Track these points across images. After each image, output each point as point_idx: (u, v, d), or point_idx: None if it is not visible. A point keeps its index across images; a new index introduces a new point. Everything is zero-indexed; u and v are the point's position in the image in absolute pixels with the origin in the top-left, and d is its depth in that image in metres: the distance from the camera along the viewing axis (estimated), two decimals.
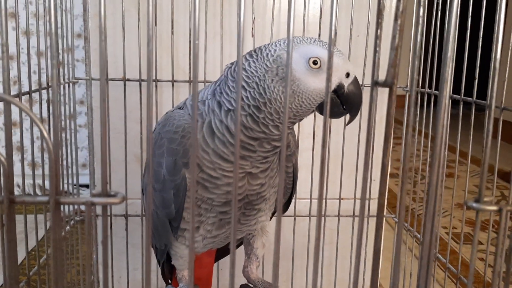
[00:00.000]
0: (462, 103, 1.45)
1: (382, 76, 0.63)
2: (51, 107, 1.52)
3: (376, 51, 0.63)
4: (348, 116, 1.00)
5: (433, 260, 0.67)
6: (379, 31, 0.62)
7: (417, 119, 1.71)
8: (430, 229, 0.67)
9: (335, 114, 0.99)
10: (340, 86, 0.95)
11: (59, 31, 1.60)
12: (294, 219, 1.85)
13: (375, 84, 0.64)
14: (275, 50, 0.94)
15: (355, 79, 0.96)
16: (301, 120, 1.00)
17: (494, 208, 0.66)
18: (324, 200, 1.85)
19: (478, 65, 1.30)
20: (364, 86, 1.67)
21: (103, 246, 0.67)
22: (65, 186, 1.79)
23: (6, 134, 0.62)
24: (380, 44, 0.62)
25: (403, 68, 1.82)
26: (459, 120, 1.41)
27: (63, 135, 1.72)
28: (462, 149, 1.52)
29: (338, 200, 1.85)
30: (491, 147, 1.33)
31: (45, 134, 0.61)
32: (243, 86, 0.95)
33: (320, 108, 0.97)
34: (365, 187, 0.67)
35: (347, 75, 0.95)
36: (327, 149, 0.62)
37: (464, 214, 1.56)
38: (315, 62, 0.92)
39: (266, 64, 0.94)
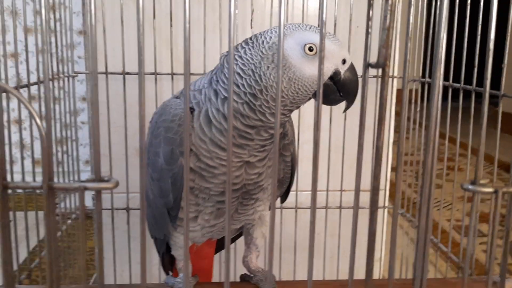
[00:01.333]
0: (462, 91, 1.44)
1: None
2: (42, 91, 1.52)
3: (368, 33, 0.62)
4: (345, 103, 0.99)
5: (429, 243, 0.66)
6: (371, 12, 0.62)
7: (418, 109, 1.71)
8: (426, 212, 0.67)
9: (331, 101, 0.98)
10: (336, 73, 0.94)
11: (58, 27, 1.61)
12: (296, 211, 1.85)
13: (368, 66, 0.63)
14: (271, 37, 0.94)
15: (352, 66, 0.95)
16: (298, 107, 0.99)
17: (490, 190, 0.66)
18: (326, 192, 1.84)
19: (477, 52, 1.29)
20: (368, 77, 1.66)
21: (97, 233, 0.67)
22: (68, 182, 1.80)
23: None
24: (372, 26, 0.62)
25: (402, 57, 1.81)
26: (459, 109, 1.40)
27: (65, 132, 1.73)
28: (464, 141, 1.51)
29: (339, 192, 1.84)
30: (491, 138, 1.33)
31: (38, 120, 0.61)
32: (238, 74, 0.94)
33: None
34: (359, 172, 0.67)
35: (343, 61, 0.94)
36: (319, 133, 0.62)
37: (464, 204, 1.55)
38: (310, 49, 0.92)
39: (261, 51, 0.93)
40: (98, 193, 0.64)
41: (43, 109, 1.55)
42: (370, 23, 0.62)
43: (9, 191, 0.64)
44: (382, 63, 0.61)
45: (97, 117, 0.60)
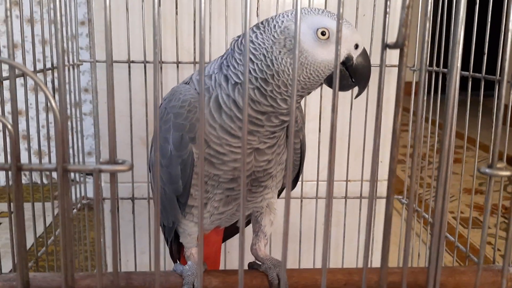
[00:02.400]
0: (471, 79, 1.42)
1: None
2: (55, 75, 1.51)
3: (386, 13, 0.61)
4: (356, 89, 0.98)
5: (445, 227, 0.66)
6: None
7: (425, 104, 1.69)
8: (440, 209, 0.66)
9: (343, 87, 0.97)
10: (348, 58, 0.93)
11: (63, 18, 1.59)
12: (301, 201, 1.84)
13: (386, 47, 0.62)
14: (282, 21, 0.93)
15: (364, 51, 0.94)
16: (309, 93, 0.98)
17: (508, 173, 0.66)
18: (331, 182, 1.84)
19: (487, 39, 1.28)
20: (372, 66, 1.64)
21: (112, 217, 0.66)
22: (73, 174, 1.80)
23: (12, 101, 0.62)
24: (390, 5, 0.61)
25: (412, 48, 1.80)
26: (468, 99, 1.39)
27: (69, 123, 1.72)
28: (470, 135, 1.50)
29: (345, 182, 1.84)
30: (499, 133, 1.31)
31: (53, 102, 0.60)
32: (250, 59, 0.93)
33: (329, 81, 0.95)
34: (376, 155, 0.67)
35: (356, 46, 0.93)
36: (336, 118, 0.62)
37: (472, 198, 1.55)
38: (323, 33, 0.90)
39: (273, 36, 0.92)
40: (112, 175, 0.63)
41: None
42: (388, 2, 0.61)
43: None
44: (401, 43, 0.60)
45: (112, 102, 0.59)
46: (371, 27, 1.71)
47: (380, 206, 1.88)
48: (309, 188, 1.85)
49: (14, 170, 0.59)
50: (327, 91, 0.96)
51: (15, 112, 0.59)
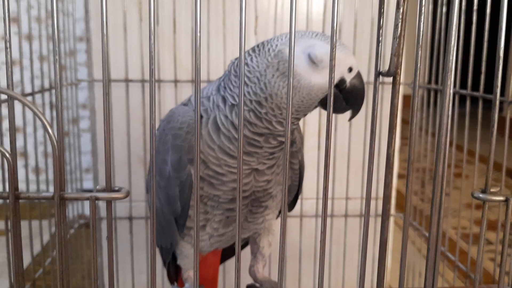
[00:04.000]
0: (469, 98, 1.43)
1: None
2: (54, 100, 1.52)
3: (379, 42, 0.62)
4: (350, 111, 0.98)
5: (440, 252, 0.66)
6: (382, 20, 0.62)
7: (423, 116, 1.71)
8: (436, 219, 0.66)
9: (337, 110, 0.97)
10: (342, 81, 0.93)
11: (61, 34, 1.61)
12: (301, 219, 1.84)
13: (379, 74, 0.63)
14: (277, 45, 0.93)
15: (358, 74, 0.95)
16: (305, 115, 0.99)
17: (501, 198, 0.66)
18: (330, 200, 1.84)
19: (484, 58, 1.29)
20: (369, 83, 1.66)
21: (108, 243, 0.66)
22: (70, 190, 1.80)
23: (10, 130, 0.62)
24: (383, 34, 0.62)
25: (410, 64, 1.82)
26: (466, 116, 1.40)
27: (66, 139, 1.73)
28: (471, 148, 1.50)
29: (345, 199, 1.84)
30: (498, 144, 1.32)
31: (49, 129, 0.61)
32: (244, 82, 0.94)
33: (323, 104, 0.96)
34: (370, 179, 0.67)
35: (350, 69, 0.93)
36: (330, 144, 0.62)
37: (472, 211, 1.55)
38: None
39: (267, 59, 0.93)
40: (109, 203, 0.63)
41: (47, 115, 1.55)
42: (381, 31, 0.62)
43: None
44: (393, 72, 0.61)
45: (109, 130, 0.60)
46: (369, 45, 1.72)
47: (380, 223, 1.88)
48: (309, 206, 1.84)
49: (12, 199, 0.59)
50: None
51: (13, 142, 0.59)
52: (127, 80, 1.72)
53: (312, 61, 0.91)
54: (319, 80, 0.91)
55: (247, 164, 1.00)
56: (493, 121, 0.73)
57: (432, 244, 0.68)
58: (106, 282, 1.87)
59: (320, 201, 1.78)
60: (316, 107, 0.98)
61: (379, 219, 1.87)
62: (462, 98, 1.50)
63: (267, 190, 1.07)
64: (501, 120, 1.22)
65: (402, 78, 1.86)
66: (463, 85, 1.46)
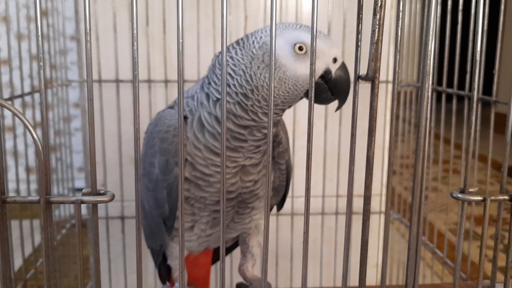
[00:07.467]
0: (455, 97, 1.45)
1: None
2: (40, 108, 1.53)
3: (358, 46, 0.64)
4: (336, 102, 0.99)
5: (420, 245, 0.68)
6: (360, 26, 0.63)
7: (414, 112, 1.72)
8: (417, 222, 0.68)
9: (323, 100, 0.98)
10: (327, 72, 0.94)
11: (52, 33, 1.61)
12: (292, 217, 1.85)
13: (358, 78, 0.65)
14: (261, 37, 0.94)
15: (343, 65, 0.95)
16: (290, 106, 0.99)
17: (479, 198, 0.67)
18: (321, 197, 1.85)
19: (469, 58, 1.31)
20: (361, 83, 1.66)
21: (94, 245, 0.68)
22: (62, 189, 1.80)
23: None
24: (361, 39, 0.63)
25: (404, 63, 1.82)
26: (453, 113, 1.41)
27: (58, 138, 1.73)
28: (458, 142, 1.52)
29: (335, 197, 1.85)
30: (485, 139, 1.33)
31: (34, 135, 0.62)
32: (229, 74, 0.94)
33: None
34: (351, 182, 0.68)
35: (334, 60, 0.94)
36: (312, 139, 0.63)
37: (464, 209, 1.57)
38: (300, 48, 0.91)
39: (252, 51, 0.93)
40: (94, 206, 0.64)
41: (37, 116, 1.55)
42: (359, 36, 0.63)
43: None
44: (372, 76, 0.62)
45: (93, 132, 0.61)
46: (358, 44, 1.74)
47: (372, 221, 1.89)
48: (300, 204, 1.86)
49: None
50: (316, 108, 0.97)
51: (0, 147, 0.60)
52: (117, 81, 1.73)
53: (297, 52, 0.91)
54: (304, 70, 0.92)
55: (234, 161, 1.01)
56: (471, 122, 0.74)
57: (412, 244, 0.70)
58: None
59: (312, 199, 1.79)
60: (302, 98, 0.98)
61: (371, 216, 1.89)
62: (450, 95, 1.51)
63: (254, 192, 1.08)
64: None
65: (390, 76, 1.88)
66: (450, 83, 1.48)
